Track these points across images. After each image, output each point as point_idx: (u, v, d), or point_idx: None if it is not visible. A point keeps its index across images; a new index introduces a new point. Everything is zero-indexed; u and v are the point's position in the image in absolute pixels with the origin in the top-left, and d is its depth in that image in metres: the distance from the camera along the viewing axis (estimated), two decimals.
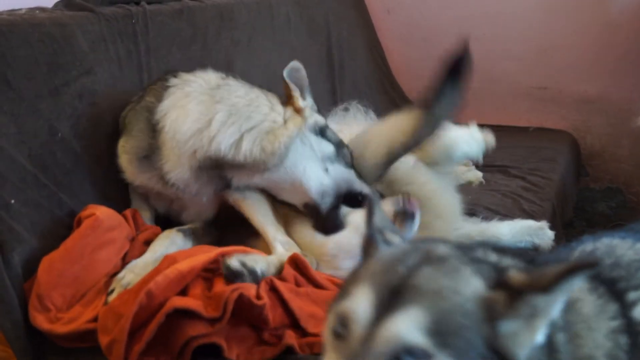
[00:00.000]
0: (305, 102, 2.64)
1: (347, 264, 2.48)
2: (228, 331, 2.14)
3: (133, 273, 2.40)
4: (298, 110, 2.62)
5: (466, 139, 3.34)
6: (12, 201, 2.40)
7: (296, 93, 2.61)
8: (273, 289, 2.25)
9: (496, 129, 5.00)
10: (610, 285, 1.52)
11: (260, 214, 2.66)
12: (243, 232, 2.72)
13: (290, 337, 2.17)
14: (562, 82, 5.11)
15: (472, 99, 5.37)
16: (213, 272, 2.34)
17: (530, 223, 3.04)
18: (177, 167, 2.61)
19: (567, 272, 1.22)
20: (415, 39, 5.54)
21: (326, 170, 2.67)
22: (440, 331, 1.21)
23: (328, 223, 2.64)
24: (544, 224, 3.04)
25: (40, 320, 2.24)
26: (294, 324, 2.24)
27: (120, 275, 2.41)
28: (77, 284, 2.38)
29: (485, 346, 1.24)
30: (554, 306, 1.27)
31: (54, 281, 2.32)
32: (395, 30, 5.59)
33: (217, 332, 2.11)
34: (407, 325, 1.21)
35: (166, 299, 2.12)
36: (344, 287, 1.40)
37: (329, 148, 2.69)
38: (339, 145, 2.76)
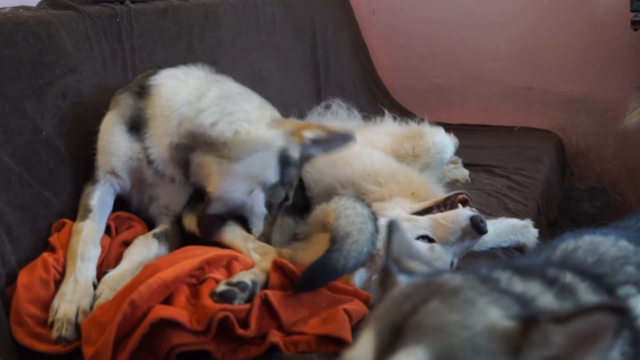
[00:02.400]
0: (309, 135, 2.65)
1: None
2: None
3: (110, 288, 2.34)
4: (295, 131, 2.65)
5: (449, 142, 3.41)
6: None
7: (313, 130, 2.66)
8: (266, 302, 2.24)
9: (481, 129, 5.05)
10: (597, 281, 1.49)
11: (228, 231, 2.64)
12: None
13: (275, 336, 2.17)
14: (548, 82, 5.14)
15: (457, 98, 5.45)
16: (198, 278, 2.33)
17: (514, 222, 3.05)
18: (161, 141, 2.63)
19: (589, 309, 1.16)
20: (400, 38, 5.56)
21: (251, 191, 2.62)
22: None
23: (203, 222, 2.62)
24: (528, 222, 3.06)
25: (22, 335, 2.20)
26: (280, 326, 2.24)
27: (98, 291, 2.34)
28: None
29: None
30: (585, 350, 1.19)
31: (32, 293, 2.28)
32: (380, 30, 5.60)
33: (201, 342, 2.11)
34: None
35: (149, 309, 2.10)
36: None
37: (272, 179, 2.62)
38: (284, 184, 2.68)
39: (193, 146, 2.60)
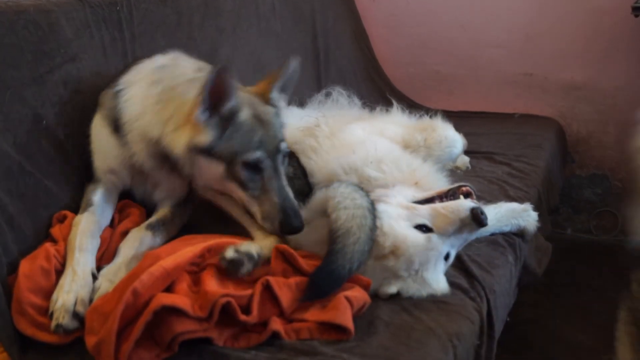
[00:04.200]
0: (199, 115, 2.45)
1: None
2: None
3: (108, 280, 2.33)
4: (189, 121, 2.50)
5: (459, 139, 3.51)
6: None
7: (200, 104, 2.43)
8: (267, 288, 2.24)
9: (482, 116, 5.05)
10: None
11: (237, 206, 2.65)
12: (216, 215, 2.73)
13: (276, 323, 2.17)
14: (548, 69, 5.13)
15: (458, 86, 5.44)
16: (198, 265, 2.33)
17: (514, 206, 3.09)
18: (138, 146, 2.63)
19: None
20: (400, 26, 5.55)
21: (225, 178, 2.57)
22: None
23: None
24: (527, 206, 3.09)
25: (24, 325, 2.20)
26: (282, 313, 2.24)
27: (97, 284, 2.32)
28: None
29: None
30: None
31: (33, 282, 2.28)
32: (380, 18, 5.60)
33: (204, 329, 2.11)
34: None
35: (152, 297, 2.09)
36: None
37: (217, 169, 2.55)
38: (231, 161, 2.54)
39: (166, 154, 2.57)
